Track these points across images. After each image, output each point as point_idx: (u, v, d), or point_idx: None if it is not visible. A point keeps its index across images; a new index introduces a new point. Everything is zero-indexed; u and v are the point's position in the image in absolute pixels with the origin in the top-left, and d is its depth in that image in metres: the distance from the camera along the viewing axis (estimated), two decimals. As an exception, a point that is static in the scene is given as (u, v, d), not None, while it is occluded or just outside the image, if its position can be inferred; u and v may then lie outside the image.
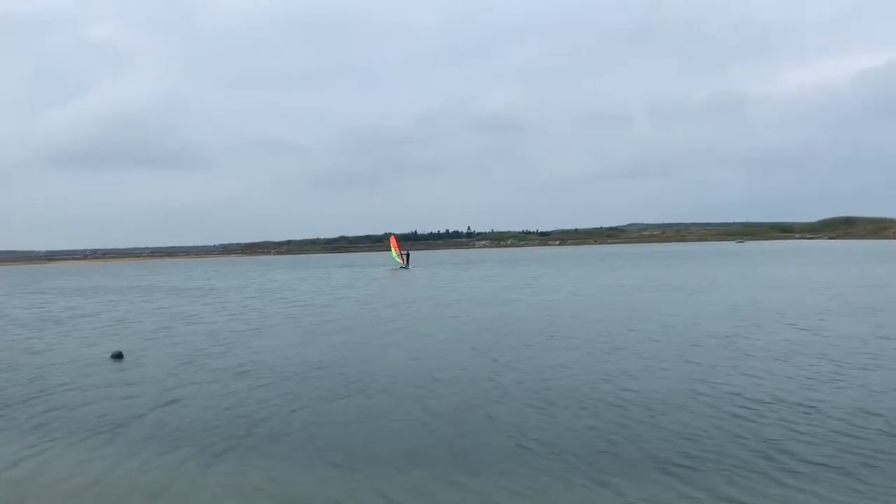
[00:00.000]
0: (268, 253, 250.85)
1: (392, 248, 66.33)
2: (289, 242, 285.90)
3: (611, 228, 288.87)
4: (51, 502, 6.83)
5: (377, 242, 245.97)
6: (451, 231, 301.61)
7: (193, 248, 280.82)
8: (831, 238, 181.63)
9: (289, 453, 8.09)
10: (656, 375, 11.59)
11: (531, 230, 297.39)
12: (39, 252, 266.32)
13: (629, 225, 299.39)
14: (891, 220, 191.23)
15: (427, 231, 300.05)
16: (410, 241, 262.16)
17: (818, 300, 22.96)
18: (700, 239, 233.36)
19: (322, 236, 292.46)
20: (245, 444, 8.46)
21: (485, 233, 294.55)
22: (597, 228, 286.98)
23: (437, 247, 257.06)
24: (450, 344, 16.01)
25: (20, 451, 8.44)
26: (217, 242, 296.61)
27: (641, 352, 13.86)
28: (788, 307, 20.94)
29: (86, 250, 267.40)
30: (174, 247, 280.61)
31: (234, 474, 7.42)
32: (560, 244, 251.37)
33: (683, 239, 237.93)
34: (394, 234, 69.70)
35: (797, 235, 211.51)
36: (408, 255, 64.37)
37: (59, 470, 7.72)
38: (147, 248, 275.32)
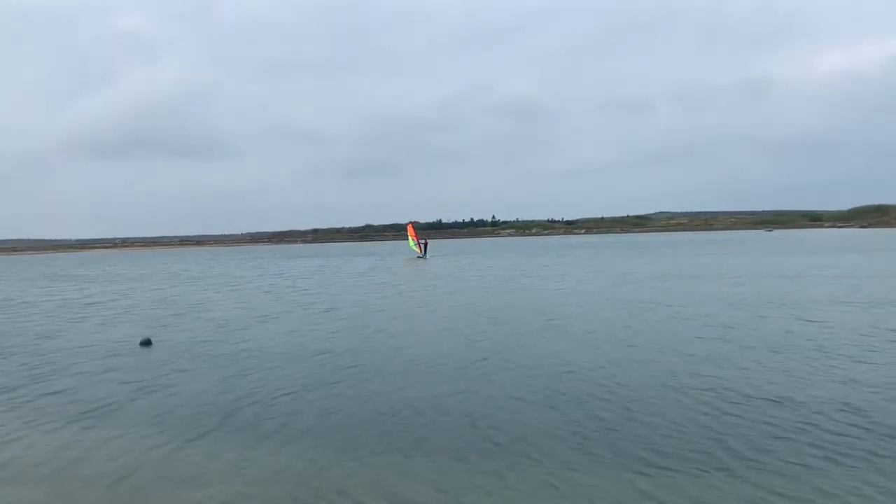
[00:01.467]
0: (294, 242, 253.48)
1: (409, 238, 65.42)
2: (315, 231, 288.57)
3: (637, 217, 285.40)
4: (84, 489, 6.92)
5: (402, 231, 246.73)
6: (476, 220, 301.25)
7: (222, 236, 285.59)
8: (862, 227, 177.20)
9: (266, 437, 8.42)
10: (639, 366, 11.68)
11: (556, 219, 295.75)
12: (70, 240, 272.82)
13: (656, 213, 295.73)
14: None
15: (452, 220, 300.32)
16: (435, 230, 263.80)
17: (829, 289, 22.65)
18: (728, 227, 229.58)
19: (348, 225, 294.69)
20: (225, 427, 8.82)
21: (510, 221, 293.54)
22: (623, 217, 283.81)
23: (462, 235, 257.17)
24: (440, 334, 16.20)
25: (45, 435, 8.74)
26: (245, 231, 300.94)
27: (633, 343, 13.94)
28: (796, 297, 20.73)
29: (115, 239, 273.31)
30: (202, 235, 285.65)
31: (215, 457, 7.70)
32: (586, 233, 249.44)
33: (711, 227, 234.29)
34: (412, 223, 68.20)
35: (827, 224, 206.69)
36: (426, 244, 62.96)
37: (90, 455, 7.90)
38: (176, 237, 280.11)
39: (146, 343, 15.60)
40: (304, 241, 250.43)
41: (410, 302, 24.27)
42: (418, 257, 61.28)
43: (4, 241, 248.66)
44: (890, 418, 8.17)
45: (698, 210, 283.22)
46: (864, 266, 34.15)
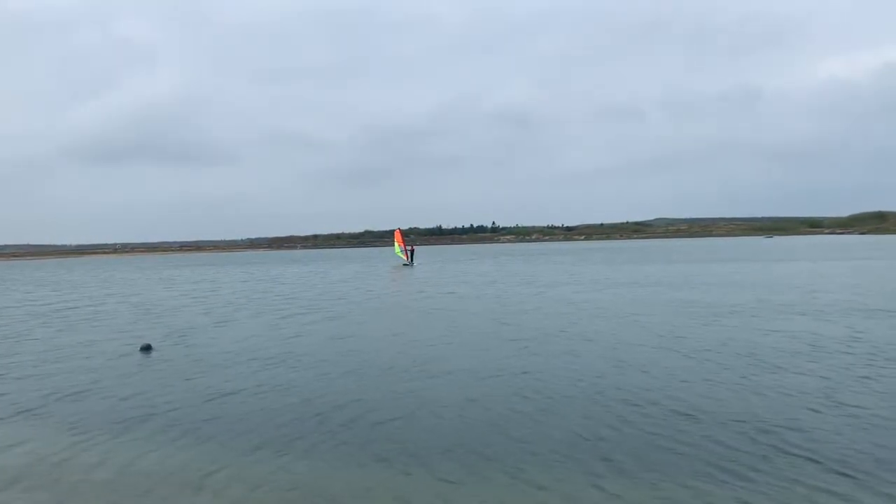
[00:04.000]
0: (294, 247, 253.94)
1: (395, 244, 62.40)
2: (315, 236, 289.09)
3: (637, 223, 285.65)
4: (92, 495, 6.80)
5: (403, 237, 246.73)
6: (475, 226, 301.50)
7: (221, 241, 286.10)
8: (862, 233, 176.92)
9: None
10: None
11: (556, 225, 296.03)
12: (70, 246, 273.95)
13: (656, 219, 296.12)
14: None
15: (452, 226, 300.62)
16: (436, 236, 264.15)
17: (800, 296, 22.52)
18: (728, 233, 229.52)
19: (348, 230, 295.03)
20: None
21: (509, 227, 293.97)
22: (623, 223, 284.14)
23: (461, 241, 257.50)
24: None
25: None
26: (244, 236, 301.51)
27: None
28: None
29: (115, 244, 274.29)
30: (202, 240, 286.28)
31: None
32: (585, 239, 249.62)
33: (711, 234, 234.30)
34: (398, 229, 64.55)
35: (827, 230, 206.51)
36: (412, 250, 60.73)
37: (105, 462, 7.74)
38: (176, 242, 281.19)
39: (146, 349, 15.35)
40: (304, 247, 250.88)
41: (374, 309, 24.19)
42: (404, 265, 59.06)
43: (4, 247, 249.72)
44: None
45: (698, 216, 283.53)
46: (858, 273, 34.01)
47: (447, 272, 47.77)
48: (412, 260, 59.50)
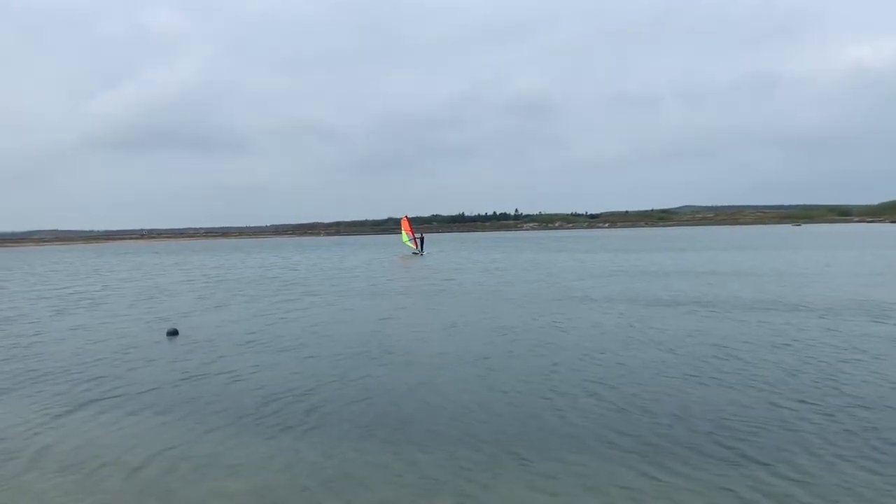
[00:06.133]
0: (318, 234, 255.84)
1: (403, 232, 58.51)
2: (338, 224, 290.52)
3: (662, 211, 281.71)
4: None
5: (424, 223, 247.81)
6: (498, 213, 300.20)
7: (246, 228, 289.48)
8: (893, 221, 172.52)
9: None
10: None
11: (580, 212, 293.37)
12: (97, 232, 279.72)
13: (682, 207, 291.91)
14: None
15: (474, 213, 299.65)
16: (458, 224, 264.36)
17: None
18: (755, 222, 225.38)
19: (371, 217, 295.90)
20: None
21: (532, 215, 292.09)
22: (648, 211, 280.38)
23: (484, 229, 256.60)
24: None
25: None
26: (269, 223, 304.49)
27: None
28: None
29: (142, 230, 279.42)
30: (228, 227, 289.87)
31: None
32: (610, 227, 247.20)
33: (737, 222, 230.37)
34: (406, 216, 59.88)
35: (856, 219, 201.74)
36: (422, 238, 57.54)
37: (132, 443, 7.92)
38: (201, 228, 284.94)
39: (173, 333, 15.64)
40: (327, 234, 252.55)
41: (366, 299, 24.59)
42: (413, 253, 56.06)
43: (33, 233, 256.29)
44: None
45: (725, 204, 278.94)
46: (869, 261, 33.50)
47: (456, 261, 47.91)
48: (422, 248, 56.96)
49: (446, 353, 12.35)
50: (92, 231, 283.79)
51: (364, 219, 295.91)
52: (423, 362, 11.68)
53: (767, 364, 10.69)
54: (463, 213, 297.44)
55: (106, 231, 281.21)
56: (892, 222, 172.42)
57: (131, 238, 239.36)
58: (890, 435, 7.30)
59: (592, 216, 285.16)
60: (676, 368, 10.63)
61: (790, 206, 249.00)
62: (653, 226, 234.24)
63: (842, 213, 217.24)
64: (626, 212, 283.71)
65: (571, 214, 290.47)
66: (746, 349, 11.87)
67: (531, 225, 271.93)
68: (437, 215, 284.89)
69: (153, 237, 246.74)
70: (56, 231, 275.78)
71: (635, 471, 6.51)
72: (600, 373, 10.47)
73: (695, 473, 6.39)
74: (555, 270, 33.16)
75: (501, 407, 8.79)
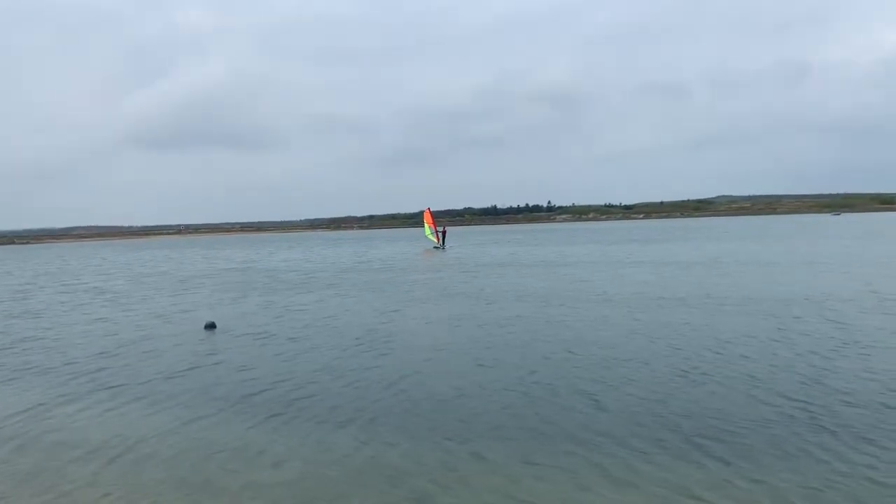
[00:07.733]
0: (351, 227, 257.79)
1: (426, 225, 58.03)
2: (371, 217, 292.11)
3: (698, 201, 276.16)
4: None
5: (457, 216, 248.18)
6: (531, 205, 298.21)
7: (281, 222, 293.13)
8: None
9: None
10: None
11: (614, 203, 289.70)
12: (136, 227, 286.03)
13: (718, 197, 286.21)
14: None
15: (506, 206, 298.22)
16: (491, 216, 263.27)
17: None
18: (793, 211, 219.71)
19: (403, 210, 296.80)
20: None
21: (565, 207, 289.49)
22: (683, 201, 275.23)
23: (516, 221, 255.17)
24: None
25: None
26: (304, 217, 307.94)
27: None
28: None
29: (179, 225, 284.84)
30: (263, 221, 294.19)
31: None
32: (644, 217, 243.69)
33: (774, 211, 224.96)
34: (429, 209, 59.42)
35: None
36: (444, 232, 56.87)
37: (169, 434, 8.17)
38: (237, 223, 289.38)
39: (211, 327, 15.96)
40: (360, 227, 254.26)
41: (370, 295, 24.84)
42: (435, 247, 55.16)
43: (73, 228, 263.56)
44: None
45: (762, 193, 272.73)
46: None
47: (479, 257, 47.84)
48: (444, 243, 56.20)
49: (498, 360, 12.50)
50: (131, 227, 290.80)
51: (395, 212, 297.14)
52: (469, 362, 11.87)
53: (755, 359, 10.64)
54: (495, 206, 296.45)
55: (144, 227, 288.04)
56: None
57: (169, 234, 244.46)
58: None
59: (627, 207, 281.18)
60: (666, 360, 10.70)
61: (829, 195, 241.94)
62: (688, 216, 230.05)
63: (884, 202, 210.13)
64: (661, 202, 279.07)
65: (605, 206, 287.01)
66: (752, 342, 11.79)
67: (564, 217, 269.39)
68: (469, 208, 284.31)
69: (189, 232, 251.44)
70: (96, 227, 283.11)
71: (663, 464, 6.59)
72: (614, 366, 10.53)
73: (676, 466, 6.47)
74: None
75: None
